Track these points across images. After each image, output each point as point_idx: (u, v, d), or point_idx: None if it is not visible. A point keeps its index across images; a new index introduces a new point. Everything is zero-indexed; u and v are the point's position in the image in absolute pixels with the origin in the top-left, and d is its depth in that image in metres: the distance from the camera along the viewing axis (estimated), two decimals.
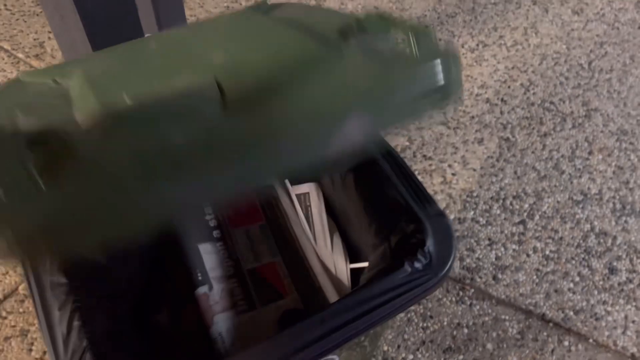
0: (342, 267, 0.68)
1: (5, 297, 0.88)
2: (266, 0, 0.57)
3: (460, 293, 0.92)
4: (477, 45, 1.32)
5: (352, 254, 0.70)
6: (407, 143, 1.12)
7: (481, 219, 1.01)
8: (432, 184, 1.06)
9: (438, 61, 0.43)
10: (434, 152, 1.11)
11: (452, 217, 1.01)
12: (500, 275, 0.94)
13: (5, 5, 1.37)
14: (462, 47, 1.31)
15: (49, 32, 1.29)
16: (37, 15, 1.35)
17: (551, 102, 1.21)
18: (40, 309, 0.46)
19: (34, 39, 1.28)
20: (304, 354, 0.44)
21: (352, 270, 0.68)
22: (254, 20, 0.52)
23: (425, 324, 0.88)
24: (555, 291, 0.93)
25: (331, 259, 0.68)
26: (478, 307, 0.90)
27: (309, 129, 0.39)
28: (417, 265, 0.47)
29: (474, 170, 1.08)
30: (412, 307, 0.90)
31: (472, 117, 1.17)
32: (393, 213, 0.54)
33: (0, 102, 0.42)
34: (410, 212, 0.52)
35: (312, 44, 0.44)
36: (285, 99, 0.39)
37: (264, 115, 0.38)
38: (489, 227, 1.00)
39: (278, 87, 0.39)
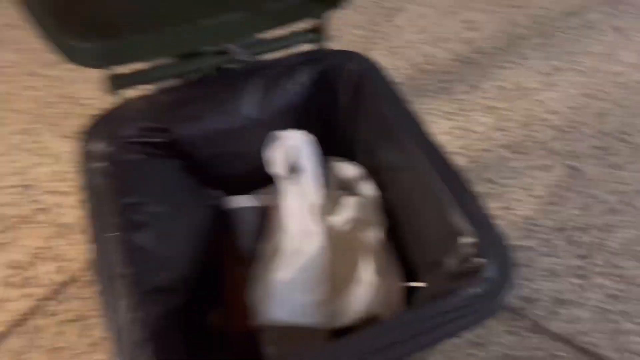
0: (396, 284, 0.67)
1: (67, 283, 0.93)
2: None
3: (513, 323, 0.89)
4: (550, 69, 1.28)
5: (408, 272, 0.69)
6: (470, 164, 1.09)
7: (542, 249, 0.98)
8: (492, 209, 1.03)
9: None
10: (496, 175, 1.08)
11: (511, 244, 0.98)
12: (558, 310, 0.90)
13: None
14: (533, 69, 1.28)
15: None
16: None
17: (626, 133, 1.15)
18: (104, 297, 0.48)
19: None
20: None
21: (407, 288, 0.67)
22: None
23: (472, 351, 0.86)
24: (618, 332, 0.88)
25: (386, 275, 0.68)
26: (532, 340, 0.87)
27: None
28: (475, 291, 0.46)
29: (538, 197, 1.05)
30: None
31: (539, 142, 1.13)
32: (452, 234, 0.53)
33: None
34: (471, 235, 0.51)
35: None
36: None
37: None
38: (550, 258, 0.96)
39: None
